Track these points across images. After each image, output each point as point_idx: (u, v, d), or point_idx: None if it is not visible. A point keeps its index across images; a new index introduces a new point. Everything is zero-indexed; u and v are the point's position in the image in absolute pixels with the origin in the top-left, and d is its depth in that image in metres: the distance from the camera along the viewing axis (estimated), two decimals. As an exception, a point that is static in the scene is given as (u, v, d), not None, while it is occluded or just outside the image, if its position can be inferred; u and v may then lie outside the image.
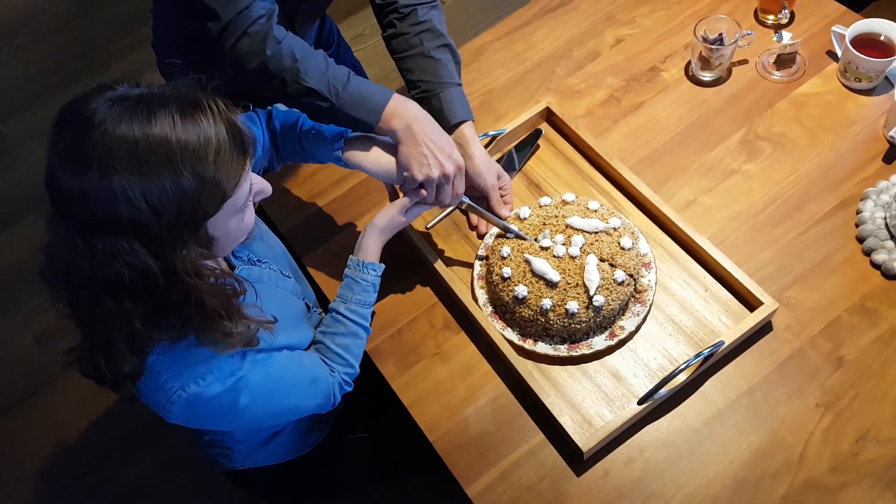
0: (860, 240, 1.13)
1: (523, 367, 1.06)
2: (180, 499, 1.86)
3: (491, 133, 1.32)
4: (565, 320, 1.06)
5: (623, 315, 1.11)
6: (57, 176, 0.71)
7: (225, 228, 0.81)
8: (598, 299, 1.05)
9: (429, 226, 1.26)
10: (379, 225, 1.07)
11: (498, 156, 1.33)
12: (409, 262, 1.23)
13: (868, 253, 1.12)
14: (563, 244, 1.10)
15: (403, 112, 1.03)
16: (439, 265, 1.18)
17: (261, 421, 1.03)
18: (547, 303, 1.06)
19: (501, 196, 1.21)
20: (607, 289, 1.06)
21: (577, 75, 1.44)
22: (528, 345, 1.10)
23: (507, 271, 1.11)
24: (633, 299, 1.11)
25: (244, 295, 0.86)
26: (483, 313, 1.13)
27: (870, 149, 1.23)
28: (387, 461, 1.34)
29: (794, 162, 1.24)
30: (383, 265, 1.09)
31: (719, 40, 1.29)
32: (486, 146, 1.32)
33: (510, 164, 1.31)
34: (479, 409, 1.09)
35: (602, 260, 1.08)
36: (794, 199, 1.20)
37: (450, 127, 1.16)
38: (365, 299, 1.08)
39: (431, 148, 1.03)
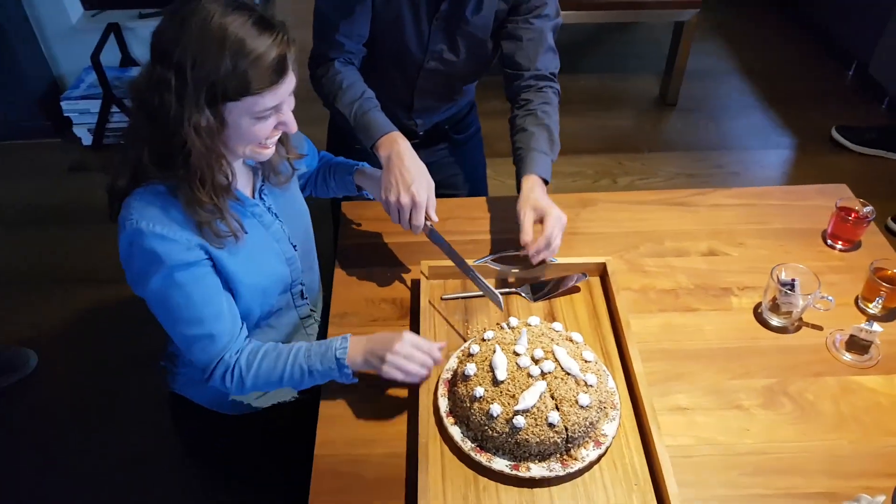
0: (825, 537, 1.00)
1: (425, 429, 1.06)
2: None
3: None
4: (483, 417, 1.05)
5: (540, 461, 1.06)
6: (162, 19, 0.98)
7: (237, 119, 1.00)
8: (519, 421, 1.03)
9: (444, 297, 1.34)
10: (368, 360, 1.11)
11: (540, 280, 1.38)
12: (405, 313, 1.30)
13: (826, 554, 0.98)
14: (535, 360, 1.11)
15: (390, 145, 1.28)
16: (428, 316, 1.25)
17: (156, 313, 1.10)
18: (479, 391, 1.07)
19: (545, 241, 1.29)
20: (534, 417, 1.04)
21: (654, 260, 1.46)
22: (449, 422, 1.10)
23: (475, 348, 1.15)
24: (559, 455, 1.07)
25: (230, 186, 1.05)
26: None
27: (891, 463, 1.10)
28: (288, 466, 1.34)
29: (806, 433, 1.14)
30: (355, 381, 1.13)
31: (790, 285, 1.26)
32: (536, 265, 1.37)
33: (544, 287, 1.35)
34: (372, 455, 1.10)
35: (552, 397, 1.07)
36: (782, 463, 1.09)
37: (522, 178, 1.38)
38: (315, 377, 1.12)
39: (398, 178, 1.23)
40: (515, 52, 1.40)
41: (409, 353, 1.09)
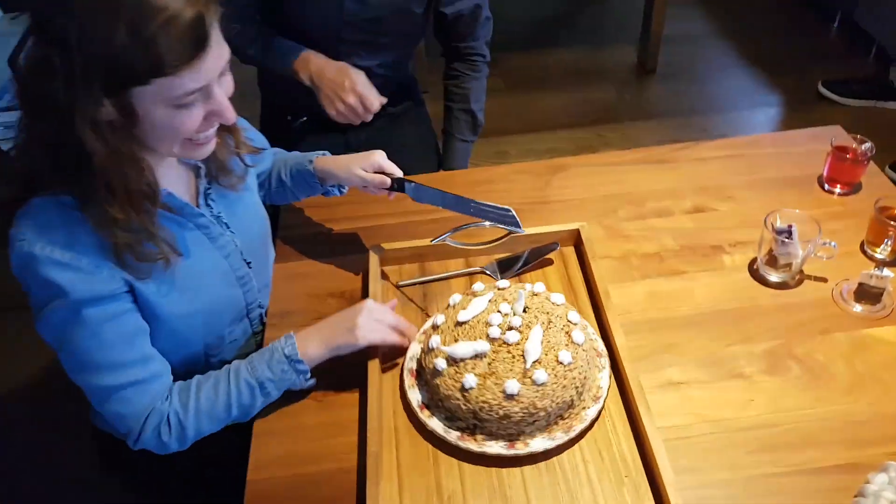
0: (851, 516, 0.85)
1: (376, 437, 0.92)
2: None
3: (508, 228, 1.23)
4: (432, 369, 0.95)
5: (486, 434, 0.93)
6: None
7: (151, 109, 0.77)
8: (470, 380, 0.91)
9: (400, 284, 1.19)
10: (333, 343, 0.97)
11: (507, 256, 1.24)
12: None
13: (854, 537, 0.83)
14: (508, 327, 0.96)
15: (306, 66, 1.29)
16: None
17: (60, 357, 0.89)
18: (434, 341, 0.96)
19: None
20: (483, 377, 0.92)
21: (635, 223, 1.32)
22: (425, 415, 0.96)
23: (440, 319, 1.02)
24: (515, 420, 0.92)
25: (154, 195, 0.83)
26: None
27: (923, 424, 0.95)
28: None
29: (819, 398, 0.99)
30: (313, 382, 1.00)
31: (787, 232, 1.11)
32: (501, 238, 1.23)
33: (513, 263, 1.21)
34: (318, 474, 0.95)
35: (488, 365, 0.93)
36: (795, 435, 0.94)
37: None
38: (267, 390, 0.95)
39: (332, 90, 1.26)
40: (454, 22, 1.42)
41: (380, 317, 0.99)
